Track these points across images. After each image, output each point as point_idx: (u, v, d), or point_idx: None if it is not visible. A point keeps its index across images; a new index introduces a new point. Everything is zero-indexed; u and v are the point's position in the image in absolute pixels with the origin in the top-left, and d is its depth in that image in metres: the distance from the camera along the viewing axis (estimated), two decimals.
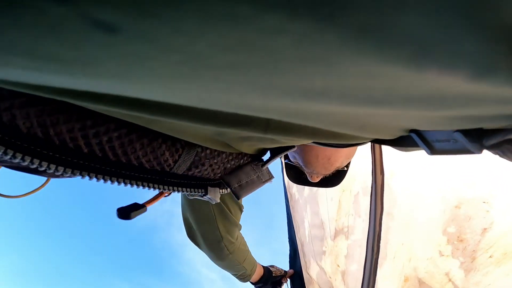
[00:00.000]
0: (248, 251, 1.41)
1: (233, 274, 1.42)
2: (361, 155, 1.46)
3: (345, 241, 1.65)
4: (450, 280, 1.27)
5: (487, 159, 1.13)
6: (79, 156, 0.35)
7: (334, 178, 1.05)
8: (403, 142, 0.51)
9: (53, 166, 0.34)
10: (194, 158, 0.45)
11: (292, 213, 2.17)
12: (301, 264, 2.03)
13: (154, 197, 0.49)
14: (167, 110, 0.30)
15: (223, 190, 0.54)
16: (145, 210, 0.47)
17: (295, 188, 2.16)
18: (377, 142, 0.57)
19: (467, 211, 1.19)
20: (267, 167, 0.58)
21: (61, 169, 0.35)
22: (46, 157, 0.33)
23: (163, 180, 0.44)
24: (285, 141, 0.46)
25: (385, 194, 1.40)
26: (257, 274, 1.49)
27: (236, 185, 0.52)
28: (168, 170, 0.44)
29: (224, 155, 0.50)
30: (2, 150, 0.30)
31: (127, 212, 0.44)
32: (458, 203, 1.21)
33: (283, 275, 1.62)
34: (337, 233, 1.71)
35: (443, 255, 1.28)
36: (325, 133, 0.42)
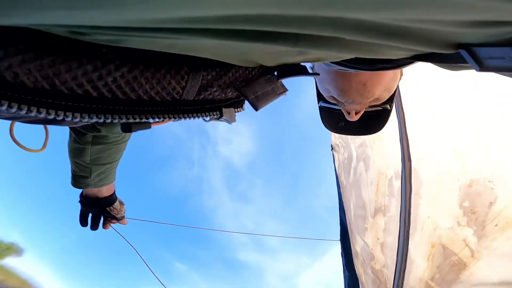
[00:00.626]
0: (113, 163, 1.08)
1: (72, 168, 1.07)
2: (393, 146, 1.83)
3: (382, 218, 2.00)
4: (466, 245, 1.59)
5: (491, 149, 1.44)
6: (90, 100, 0.36)
7: (375, 120, 0.97)
8: (451, 58, 0.48)
9: (69, 114, 0.35)
10: (201, 82, 0.46)
11: (342, 199, 2.57)
12: (350, 241, 2.42)
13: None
14: (192, 30, 0.30)
15: (238, 109, 0.56)
16: (149, 127, 0.49)
17: (343, 176, 2.57)
18: (421, 58, 0.52)
19: (477, 189, 1.51)
20: (281, 81, 0.57)
21: (77, 115, 0.36)
22: (59, 106, 0.34)
23: (176, 109, 0.45)
24: (316, 53, 0.44)
25: (413, 178, 1.75)
26: (96, 191, 1.12)
27: (253, 96, 0.52)
28: (178, 97, 0.45)
29: (231, 74, 0.50)
30: (16, 107, 0.31)
31: (129, 126, 0.46)
32: (470, 183, 1.53)
33: (116, 218, 1.18)
34: (376, 212, 2.06)
35: (460, 225, 1.60)
36: (360, 45, 0.40)
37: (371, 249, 2.13)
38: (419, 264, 1.81)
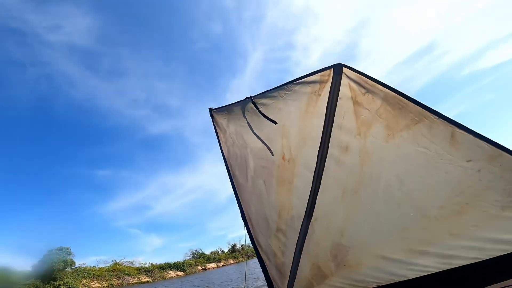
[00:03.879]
0: None
1: None
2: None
3: (283, 236, 2.74)
4: (330, 269, 2.53)
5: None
6: None
7: None
8: None
9: None
10: None
11: (237, 189, 3.11)
12: (250, 228, 3.02)
13: None
14: None
15: None
16: None
17: (237, 172, 3.12)
18: None
19: (339, 248, 2.49)
20: None
21: None
22: None
23: None
24: None
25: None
26: None
27: None
28: None
29: None
30: None
31: None
32: (339, 240, 2.52)
33: None
34: (278, 230, 2.71)
35: (329, 260, 2.55)
36: None
37: (274, 250, 2.79)
38: (305, 269, 2.68)
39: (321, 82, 2.29)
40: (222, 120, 3.18)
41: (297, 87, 2.46)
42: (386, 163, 1.99)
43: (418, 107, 1.82)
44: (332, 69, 2.21)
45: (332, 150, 2.30)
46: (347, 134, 2.19)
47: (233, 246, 61.12)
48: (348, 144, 2.19)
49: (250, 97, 2.81)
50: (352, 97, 2.12)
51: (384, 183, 2.03)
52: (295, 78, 2.49)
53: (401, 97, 1.88)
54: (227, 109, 3.10)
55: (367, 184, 2.12)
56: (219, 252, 60.15)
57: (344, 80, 2.15)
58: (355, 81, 2.09)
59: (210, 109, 3.29)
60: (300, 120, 2.47)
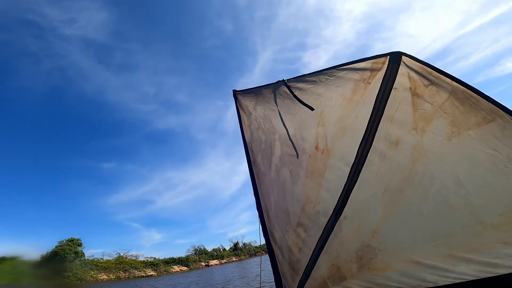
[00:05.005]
0: None
1: None
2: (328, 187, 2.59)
3: (303, 232, 2.68)
4: (350, 270, 2.36)
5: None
6: None
7: None
8: None
9: None
10: None
11: (256, 179, 3.00)
12: (266, 221, 2.87)
13: None
14: None
15: None
16: None
17: (259, 158, 2.92)
18: None
19: (366, 250, 2.32)
20: None
21: None
22: None
23: None
24: None
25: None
26: None
27: None
28: None
29: None
30: None
31: None
32: (365, 244, 2.34)
33: None
34: (298, 225, 2.72)
35: (351, 262, 2.37)
36: None
37: (290, 245, 2.62)
38: (322, 268, 2.53)
39: (372, 69, 2.08)
40: (248, 102, 2.93)
41: (341, 73, 2.24)
42: (445, 163, 1.80)
43: (492, 105, 1.64)
44: (388, 56, 2.00)
45: (377, 143, 2.09)
46: (399, 127, 1.98)
47: (235, 244, 61.82)
48: (399, 139, 1.99)
49: (283, 80, 2.58)
50: (410, 88, 1.91)
51: (438, 184, 1.84)
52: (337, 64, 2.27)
53: (472, 92, 1.69)
54: (255, 92, 2.86)
55: (417, 183, 1.92)
56: (221, 249, 60.71)
57: (402, 70, 1.94)
58: (416, 71, 1.89)
59: (234, 91, 3.07)
60: (342, 108, 2.25)
